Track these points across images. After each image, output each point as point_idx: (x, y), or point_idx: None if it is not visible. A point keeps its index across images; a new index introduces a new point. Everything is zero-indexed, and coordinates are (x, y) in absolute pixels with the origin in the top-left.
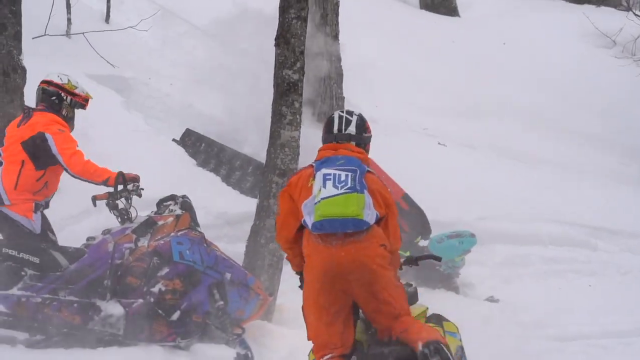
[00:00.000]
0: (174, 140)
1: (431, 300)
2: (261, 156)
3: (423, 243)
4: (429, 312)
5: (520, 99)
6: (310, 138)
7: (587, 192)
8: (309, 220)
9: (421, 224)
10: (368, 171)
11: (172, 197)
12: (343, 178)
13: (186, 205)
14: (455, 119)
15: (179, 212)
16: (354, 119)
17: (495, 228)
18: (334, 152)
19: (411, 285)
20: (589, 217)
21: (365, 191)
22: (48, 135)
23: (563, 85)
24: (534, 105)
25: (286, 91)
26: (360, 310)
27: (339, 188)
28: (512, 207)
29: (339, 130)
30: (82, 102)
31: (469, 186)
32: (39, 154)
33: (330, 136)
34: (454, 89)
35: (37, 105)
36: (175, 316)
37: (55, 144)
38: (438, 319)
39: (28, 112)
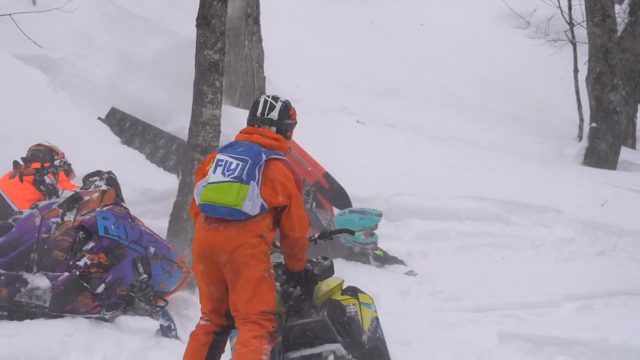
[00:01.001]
0: (99, 118)
1: (350, 274)
2: (184, 134)
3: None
4: (345, 285)
5: (437, 81)
6: (231, 116)
7: (502, 169)
8: (197, 201)
9: (342, 200)
10: (276, 159)
11: (98, 173)
12: (233, 166)
13: (111, 181)
14: (374, 99)
15: (104, 187)
16: (278, 105)
17: (412, 204)
18: (247, 136)
19: (327, 258)
20: (503, 193)
21: (252, 182)
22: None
23: (479, 66)
24: (451, 86)
25: (207, 71)
26: (277, 284)
27: (226, 176)
28: (430, 184)
29: (262, 114)
30: (65, 165)
31: (388, 164)
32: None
33: (252, 119)
34: (373, 71)
35: (26, 165)
36: (100, 289)
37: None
38: (354, 291)
39: (25, 164)
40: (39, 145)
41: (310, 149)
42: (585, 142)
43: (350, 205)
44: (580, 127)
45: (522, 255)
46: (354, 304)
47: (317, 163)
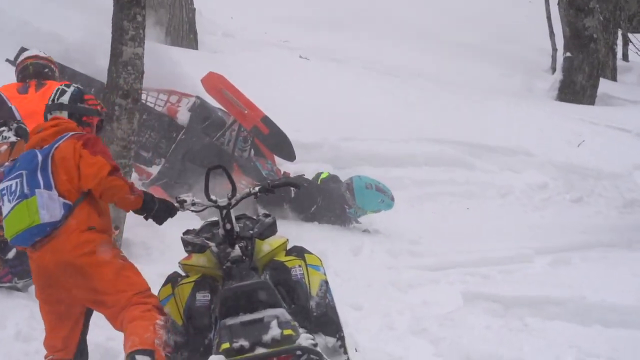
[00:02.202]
0: (7, 60)
1: (298, 230)
2: (104, 76)
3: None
4: (290, 245)
5: (388, 9)
6: (157, 54)
7: (465, 108)
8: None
9: (283, 148)
10: (62, 141)
11: (5, 123)
12: (13, 188)
13: (21, 131)
14: (318, 31)
15: (13, 139)
16: (70, 89)
17: (363, 149)
18: (33, 140)
19: (268, 215)
20: (466, 135)
21: (38, 190)
22: None
23: None
24: (403, 14)
25: (127, 3)
26: (212, 246)
27: (12, 201)
28: (382, 126)
29: (52, 100)
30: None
31: (335, 104)
32: None
33: (45, 109)
34: None
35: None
36: (11, 254)
37: None
38: (299, 252)
39: (38, 81)
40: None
41: (247, 90)
42: (559, 74)
43: (293, 154)
44: (553, 58)
45: (487, 205)
46: (299, 266)
47: (254, 105)
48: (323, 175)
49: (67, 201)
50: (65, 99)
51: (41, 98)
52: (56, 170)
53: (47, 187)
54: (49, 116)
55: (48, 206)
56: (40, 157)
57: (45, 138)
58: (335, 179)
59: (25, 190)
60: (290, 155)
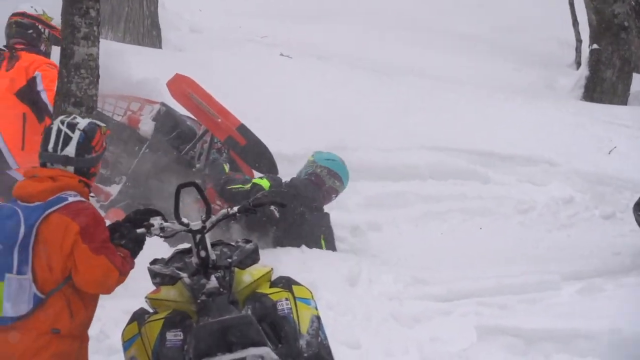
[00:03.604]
0: None
1: (283, 257)
2: None
3: None
4: (275, 274)
5: None
6: (114, 55)
7: (474, 109)
8: None
9: (263, 160)
10: (55, 211)
11: None
12: None
13: None
14: (301, 25)
15: None
16: (76, 135)
17: (357, 160)
18: (22, 188)
19: (249, 241)
20: (477, 142)
21: (7, 276)
22: (37, 73)
23: None
24: (397, 2)
25: None
26: (184, 277)
27: None
28: (378, 133)
29: (54, 149)
30: (58, 35)
31: (322, 107)
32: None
33: (42, 154)
34: None
35: (8, 44)
36: None
37: (43, 79)
38: (286, 283)
39: (11, 53)
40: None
41: (220, 94)
42: (584, 70)
43: (275, 167)
44: (578, 50)
45: (504, 223)
46: (287, 299)
47: (229, 113)
48: (265, 185)
49: (38, 293)
50: (70, 151)
51: (7, 82)
52: (37, 251)
53: (21, 271)
54: (48, 165)
55: (15, 298)
56: (22, 231)
57: (36, 194)
58: (278, 180)
59: None
60: (271, 169)
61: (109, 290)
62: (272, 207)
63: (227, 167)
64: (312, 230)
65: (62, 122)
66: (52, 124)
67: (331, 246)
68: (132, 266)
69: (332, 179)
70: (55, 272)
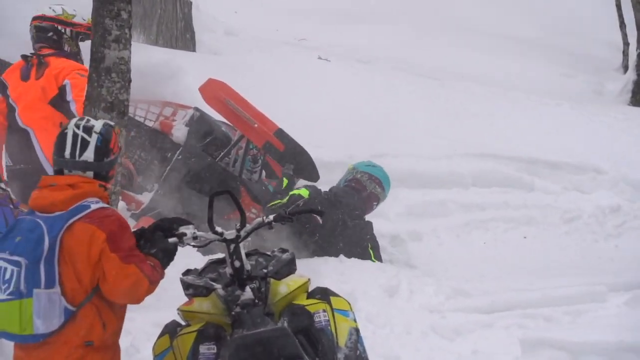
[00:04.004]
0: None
1: (321, 267)
2: None
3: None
4: (312, 285)
5: None
6: (146, 57)
7: (520, 115)
8: None
9: (304, 167)
10: (79, 219)
11: None
12: (8, 276)
13: None
14: (341, 26)
15: None
16: (94, 139)
17: (398, 168)
18: (39, 197)
19: (286, 250)
20: (523, 148)
21: (36, 291)
22: (66, 81)
23: None
24: (445, 4)
25: None
26: (218, 288)
27: (3, 291)
28: (420, 140)
29: (72, 155)
30: (85, 31)
31: (362, 114)
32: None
33: (59, 161)
34: None
35: (34, 49)
36: None
37: (73, 89)
38: (324, 294)
39: (39, 60)
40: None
41: (255, 99)
42: (632, 74)
43: (316, 173)
44: (625, 54)
45: (550, 233)
46: (324, 311)
47: (266, 118)
48: (304, 194)
49: (69, 305)
50: (89, 155)
51: (39, 92)
52: (63, 261)
53: (49, 284)
54: (65, 172)
55: (45, 314)
56: (47, 243)
57: (57, 204)
58: (317, 189)
59: (22, 286)
60: (312, 176)
61: (138, 300)
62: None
63: (271, 188)
64: (358, 238)
65: (78, 126)
66: (66, 128)
67: (378, 255)
68: (162, 276)
69: (374, 184)
70: (84, 283)
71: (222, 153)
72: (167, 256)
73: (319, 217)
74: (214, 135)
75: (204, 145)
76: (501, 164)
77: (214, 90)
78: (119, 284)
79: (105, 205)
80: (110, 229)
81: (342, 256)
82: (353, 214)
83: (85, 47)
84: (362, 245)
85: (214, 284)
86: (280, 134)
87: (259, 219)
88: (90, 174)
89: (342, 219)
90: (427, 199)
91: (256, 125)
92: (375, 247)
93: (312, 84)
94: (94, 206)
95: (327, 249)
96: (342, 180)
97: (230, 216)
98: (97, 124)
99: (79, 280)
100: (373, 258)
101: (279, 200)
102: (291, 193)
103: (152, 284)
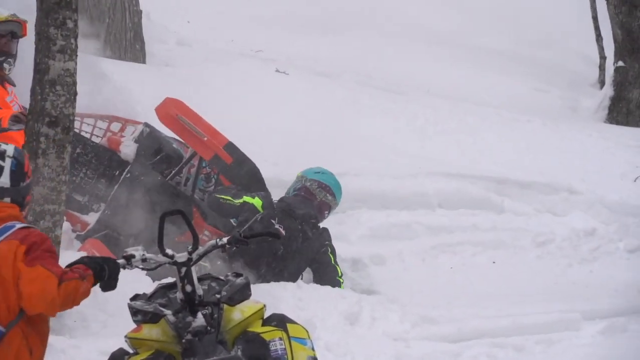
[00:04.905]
0: None
1: (277, 292)
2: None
3: None
4: (268, 312)
5: (392, 5)
6: (93, 70)
7: (490, 132)
8: None
9: (252, 181)
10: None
11: None
12: None
13: None
14: (300, 37)
15: None
16: (8, 163)
17: (360, 187)
18: None
19: (240, 275)
20: (490, 167)
21: None
22: None
23: None
24: (411, 13)
25: (54, 5)
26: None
27: None
28: (383, 158)
29: None
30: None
31: (322, 130)
32: None
33: None
34: None
35: None
36: None
37: None
38: (280, 321)
39: None
40: None
41: (210, 113)
42: (608, 89)
43: (265, 188)
44: (601, 68)
45: (520, 257)
46: (280, 339)
47: (217, 132)
48: (257, 204)
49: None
50: (5, 181)
51: None
52: None
53: None
54: None
55: None
56: None
57: None
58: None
59: None
60: (259, 190)
61: (52, 305)
62: (277, 226)
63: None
64: (319, 246)
65: None
66: None
67: (336, 260)
68: (83, 278)
69: (324, 192)
70: (11, 300)
71: (173, 171)
72: (106, 271)
73: (281, 229)
74: (165, 152)
75: (154, 162)
76: (469, 183)
77: (168, 108)
78: (27, 289)
79: (30, 226)
80: (32, 241)
81: (300, 281)
82: (310, 223)
83: (29, 57)
84: (321, 250)
85: (163, 309)
86: (230, 147)
87: (212, 242)
88: (7, 200)
89: (302, 229)
90: (390, 221)
91: (206, 139)
92: (334, 253)
93: (269, 98)
94: (18, 225)
95: (289, 263)
96: (290, 188)
97: (182, 238)
98: (9, 148)
99: (6, 298)
100: (333, 262)
101: (230, 198)
102: (245, 199)
103: (64, 282)
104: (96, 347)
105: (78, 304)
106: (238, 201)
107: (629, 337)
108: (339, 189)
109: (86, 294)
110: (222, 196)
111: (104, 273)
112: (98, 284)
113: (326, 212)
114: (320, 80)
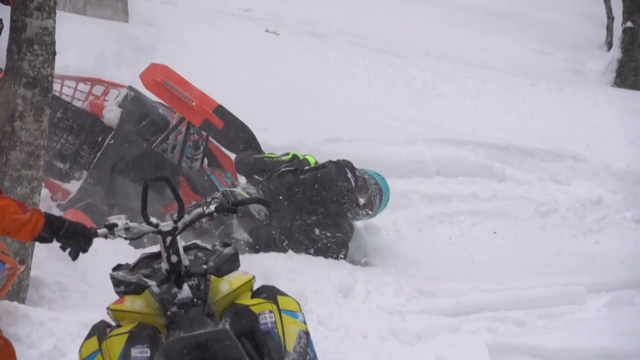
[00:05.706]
0: None
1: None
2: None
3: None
4: (257, 283)
5: None
6: (73, 29)
7: (491, 97)
8: None
9: (246, 141)
10: None
11: None
12: None
13: None
14: None
15: None
16: None
17: (355, 154)
18: None
19: (227, 244)
20: (491, 133)
21: None
22: None
23: None
24: None
25: None
26: (152, 285)
27: None
28: (378, 123)
29: None
30: None
31: (315, 94)
32: None
33: None
34: None
35: None
36: None
37: None
38: (270, 293)
39: None
40: None
41: (196, 76)
42: (617, 52)
43: (259, 148)
44: (609, 29)
45: (522, 227)
46: (270, 311)
47: (206, 95)
48: (311, 161)
49: None
50: None
51: None
52: None
53: None
54: None
55: None
56: None
57: None
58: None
59: None
60: (255, 149)
61: (17, 227)
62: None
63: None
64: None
65: None
66: None
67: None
68: (27, 212)
69: (376, 192)
70: None
71: (159, 138)
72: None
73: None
74: (151, 117)
75: (139, 128)
76: (469, 150)
77: (154, 74)
78: None
79: None
80: None
81: (290, 252)
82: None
83: (4, 15)
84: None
85: (147, 280)
86: (220, 110)
87: (199, 210)
88: None
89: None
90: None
91: (194, 104)
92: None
93: (258, 60)
94: None
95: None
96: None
97: (168, 209)
98: None
99: None
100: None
101: (271, 154)
102: (294, 153)
103: (24, 210)
104: (76, 319)
105: (11, 232)
106: (285, 157)
107: (635, 310)
108: (385, 204)
109: (25, 228)
110: (259, 155)
111: (60, 224)
112: (60, 246)
113: (363, 212)
114: (312, 41)
